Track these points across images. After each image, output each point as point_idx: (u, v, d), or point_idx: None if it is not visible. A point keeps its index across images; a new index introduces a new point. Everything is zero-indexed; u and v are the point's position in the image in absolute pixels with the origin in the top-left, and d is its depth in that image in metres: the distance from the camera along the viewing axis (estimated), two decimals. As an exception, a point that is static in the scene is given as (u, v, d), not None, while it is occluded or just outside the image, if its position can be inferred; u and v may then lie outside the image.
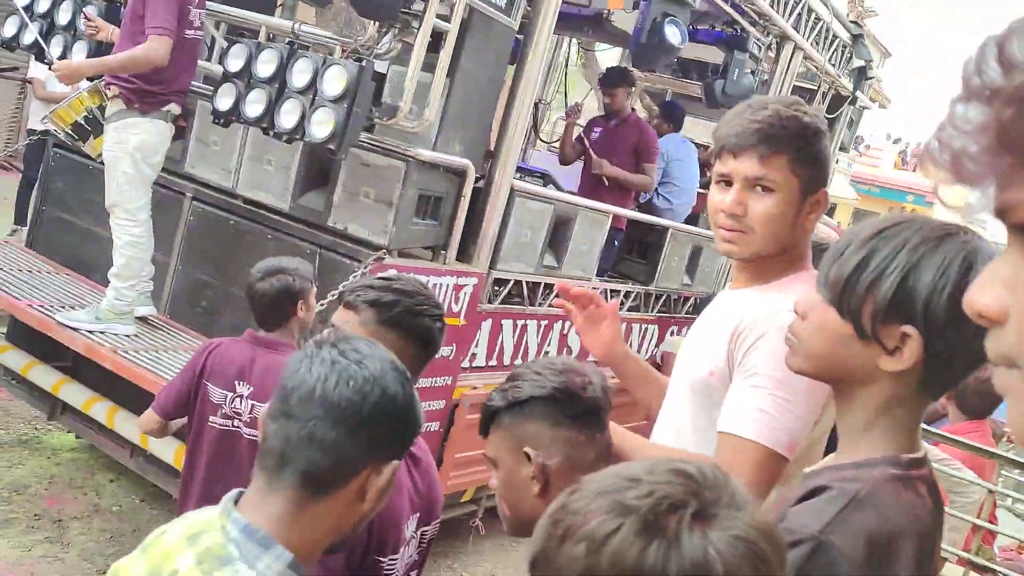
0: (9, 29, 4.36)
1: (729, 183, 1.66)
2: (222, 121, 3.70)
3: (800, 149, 1.61)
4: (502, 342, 4.71)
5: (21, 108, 10.76)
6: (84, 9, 4.16)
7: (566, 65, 8.25)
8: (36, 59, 4.33)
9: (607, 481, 0.82)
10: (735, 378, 1.60)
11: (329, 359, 1.16)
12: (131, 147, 3.78)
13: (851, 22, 7.37)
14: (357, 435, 1.14)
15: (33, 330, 4.23)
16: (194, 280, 4.31)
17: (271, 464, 1.15)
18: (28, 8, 4.32)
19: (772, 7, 5.84)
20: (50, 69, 3.91)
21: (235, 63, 3.66)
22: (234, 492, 1.19)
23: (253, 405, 2.62)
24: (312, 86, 3.48)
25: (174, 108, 3.94)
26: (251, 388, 2.61)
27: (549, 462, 1.36)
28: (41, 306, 4.01)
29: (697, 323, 1.83)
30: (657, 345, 6.08)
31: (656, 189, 6.42)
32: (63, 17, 4.28)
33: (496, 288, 4.56)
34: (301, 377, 1.15)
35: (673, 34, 5.06)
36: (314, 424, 1.13)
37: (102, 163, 3.94)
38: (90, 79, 3.91)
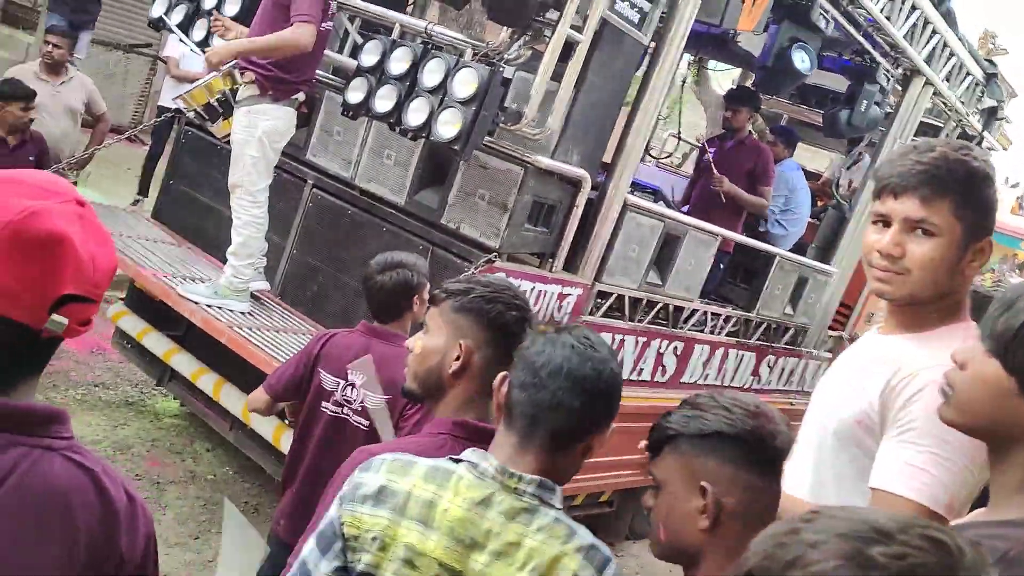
0: (158, 9, 4.56)
1: (887, 224, 1.61)
2: (351, 114, 3.79)
3: (966, 194, 1.55)
4: (599, 355, 4.69)
5: (150, 84, 11.24)
6: (214, 10, 4.31)
7: (682, 83, 8.18)
8: (183, 34, 4.49)
9: (850, 523, 0.77)
10: (889, 431, 1.55)
11: (569, 343, 1.45)
12: (260, 132, 3.90)
13: (985, 60, 7.10)
14: (594, 403, 1.43)
15: (149, 297, 4.42)
16: (307, 264, 4.43)
17: (523, 426, 1.44)
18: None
19: (906, 39, 5.67)
20: (202, 50, 4.06)
21: (369, 58, 3.75)
22: (470, 454, 1.45)
23: (365, 395, 2.68)
24: (442, 86, 3.54)
25: (300, 96, 4.06)
26: (364, 378, 2.67)
27: (725, 500, 1.37)
28: (164, 276, 4.18)
29: (839, 365, 1.77)
30: (754, 373, 5.97)
31: (774, 215, 6.33)
32: (208, 2, 4.46)
33: (599, 300, 4.55)
34: (548, 356, 1.44)
35: (801, 60, 4.97)
36: (562, 393, 1.42)
37: (228, 144, 4.09)
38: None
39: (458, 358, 1.69)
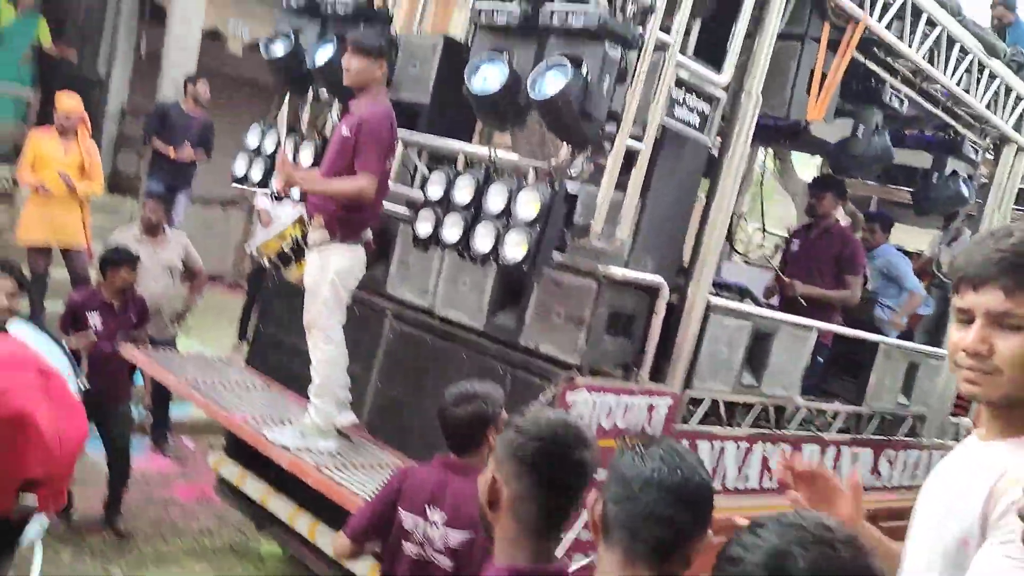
0: (240, 167, 4.82)
1: (970, 320, 1.47)
2: (422, 246, 3.85)
3: None
4: (699, 465, 4.48)
5: (248, 234, 11.83)
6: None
7: (762, 176, 8.08)
8: (260, 187, 4.72)
9: None
10: (989, 541, 1.38)
11: (657, 454, 1.51)
12: (332, 272, 3.98)
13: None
14: (687, 510, 1.48)
15: (245, 443, 4.48)
16: (392, 397, 4.43)
17: (622, 539, 1.48)
18: (256, 150, 4.76)
19: (989, 108, 5.47)
20: (276, 168, 4.23)
21: (434, 190, 3.82)
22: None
23: (448, 532, 2.59)
24: (506, 210, 3.56)
25: (368, 234, 4.17)
26: (444, 515, 2.59)
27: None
28: (254, 420, 4.24)
29: (937, 476, 1.61)
30: (873, 471, 5.60)
31: (879, 301, 6.09)
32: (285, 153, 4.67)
33: (691, 408, 4.38)
34: (638, 468, 1.49)
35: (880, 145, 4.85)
36: (655, 503, 1.46)
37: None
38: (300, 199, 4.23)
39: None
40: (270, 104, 11.95)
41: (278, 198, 4.60)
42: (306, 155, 4.56)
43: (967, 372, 1.47)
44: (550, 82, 3.38)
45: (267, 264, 4.27)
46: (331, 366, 4.04)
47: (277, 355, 5.15)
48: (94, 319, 5.26)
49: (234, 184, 5.01)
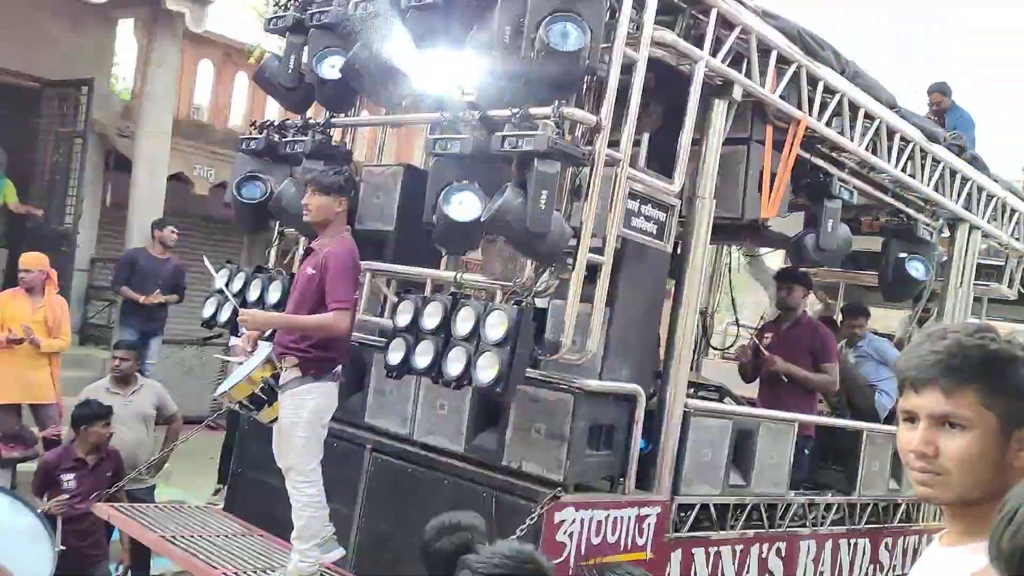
0: (208, 309, 4.83)
1: (916, 420, 1.48)
2: (395, 374, 3.84)
3: (991, 381, 1.41)
4: (695, 573, 4.39)
5: (224, 372, 11.73)
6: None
7: (729, 270, 8.20)
8: (232, 334, 4.73)
9: None
10: None
11: None
12: (307, 412, 3.95)
13: (1029, 192, 7.00)
14: None
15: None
16: (377, 532, 4.33)
17: None
18: (224, 289, 4.78)
19: (938, 191, 5.65)
20: (238, 323, 4.21)
21: (403, 318, 3.84)
22: None
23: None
24: (475, 332, 3.58)
25: (339, 369, 4.16)
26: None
27: None
28: (235, 572, 4.11)
29: None
30: (873, 561, 5.49)
31: (879, 388, 6.10)
32: (252, 294, 4.70)
33: (682, 515, 4.31)
34: None
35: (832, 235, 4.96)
36: None
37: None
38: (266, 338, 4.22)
39: None
40: (241, 242, 12.13)
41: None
42: (275, 294, 4.59)
43: (918, 474, 1.46)
44: (498, 203, 3.46)
45: (237, 408, 4.23)
46: (313, 507, 3.97)
47: (256, 498, 5.03)
48: (68, 479, 5.15)
49: (203, 325, 5.01)
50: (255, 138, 4.81)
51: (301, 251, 4.90)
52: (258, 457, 5.06)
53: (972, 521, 1.44)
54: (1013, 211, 6.47)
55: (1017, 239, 6.56)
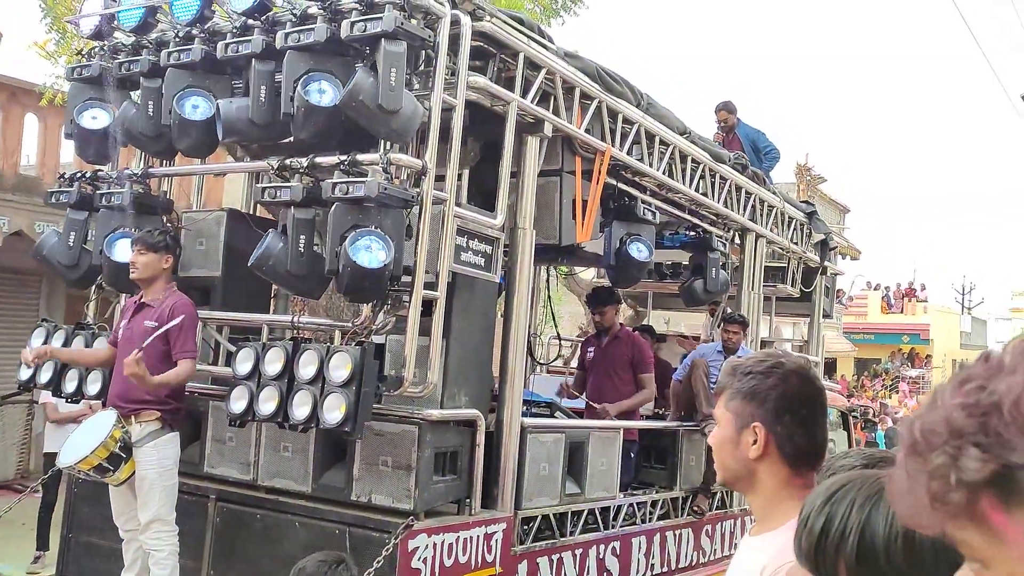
0: (25, 372, 4.61)
1: None
2: (239, 423, 3.86)
3: (731, 387, 1.74)
4: (542, 581, 4.65)
5: (30, 430, 10.96)
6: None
7: (548, 287, 8.61)
8: (53, 394, 4.55)
9: None
10: None
11: None
12: (170, 462, 4.09)
13: (803, 201, 7.84)
14: None
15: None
16: (228, 581, 4.30)
17: None
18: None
19: (727, 206, 6.25)
20: (76, 401, 4.14)
21: (244, 367, 3.87)
22: None
23: None
24: (319, 375, 3.67)
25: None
26: None
27: None
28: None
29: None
30: (696, 548, 5.98)
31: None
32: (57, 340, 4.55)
33: (525, 527, 4.57)
34: None
35: (639, 251, 5.40)
36: None
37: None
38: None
39: None
40: (37, 291, 11.37)
41: (73, 400, 4.46)
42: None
43: None
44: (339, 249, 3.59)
45: (92, 473, 4.10)
46: (175, 556, 4.03)
47: (92, 562, 4.84)
48: None
49: (20, 389, 4.78)
50: (66, 191, 4.65)
51: (122, 303, 4.79)
52: (91, 519, 4.88)
53: (757, 512, 1.75)
54: (790, 219, 7.24)
55: (795, 243, 7.34)
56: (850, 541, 1.23)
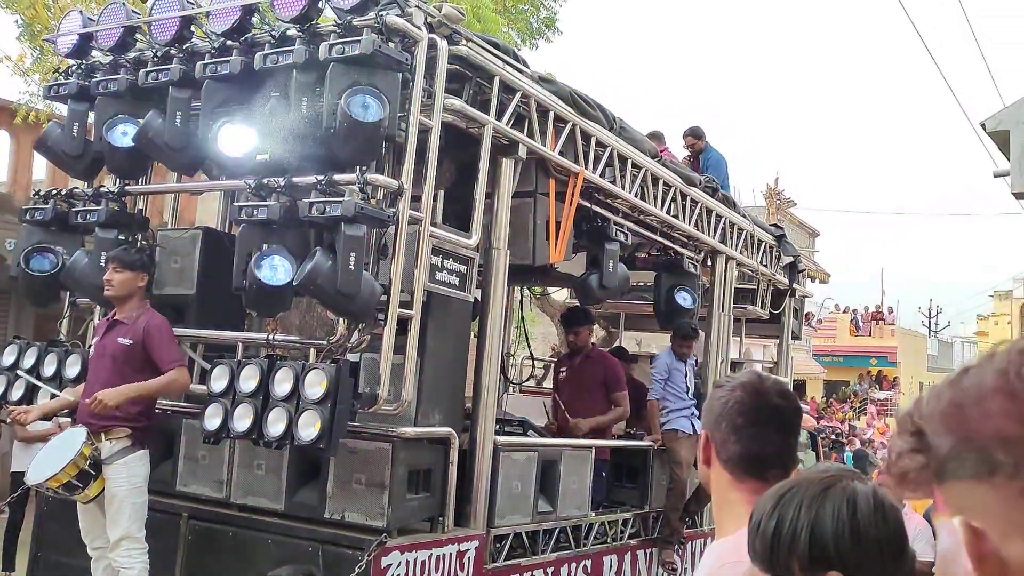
0: (-1, 387, 4.59)
1: None
2: (213, 440, 3.88)
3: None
4: (514, 599, 4.68)
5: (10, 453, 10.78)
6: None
7: (521, 307, 8.67)
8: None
9: None
10: None
11: None
12: (140, 479, 4.06)
13: (772, 224, 7.97)
14: None
15: None
16: (200, 600, 4.28)
17: None
18: (14, 366, 4.57)
19: (698, 228, 6.36)
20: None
21: (219, 384, 3.89)
22: None
23: None
24: (295, 392, 3.70)
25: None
26: None
27: None
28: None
29: None
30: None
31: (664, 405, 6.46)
32: (48, 369, 4.54)
33: (498, 545, 4.60)
34: None
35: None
36: None
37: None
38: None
39: None
40: (6, 309, 11.23)
41: (46, 418, 4.45)
42: (74, 368, 4.46)
43: None
44: (308, 267, 3.62)
45: (62, 491, 4.08)
46: (146, 574, 3.99)
47: (61, 581, 4.80)
48: None
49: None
50: (41, 208, 4.65)
51: (97, 321, 4.78)
52: (60, 537, 4.84)
53: (715, 517, 1.82)
54: (760, 241, 7.36)
55: (765, 265, 7.46)
56: (802, 540, 1.30)
